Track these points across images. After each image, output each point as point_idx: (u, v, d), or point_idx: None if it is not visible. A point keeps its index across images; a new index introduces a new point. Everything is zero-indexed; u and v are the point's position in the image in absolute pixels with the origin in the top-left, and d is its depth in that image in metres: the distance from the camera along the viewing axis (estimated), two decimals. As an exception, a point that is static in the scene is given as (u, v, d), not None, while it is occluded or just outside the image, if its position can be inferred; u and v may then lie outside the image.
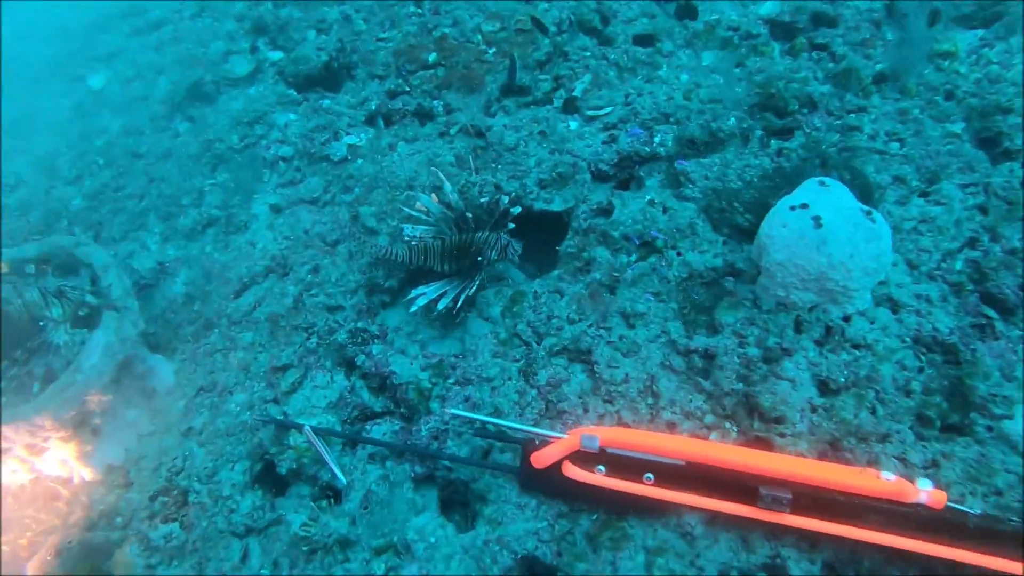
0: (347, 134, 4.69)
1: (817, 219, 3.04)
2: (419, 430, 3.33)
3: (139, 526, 3.40)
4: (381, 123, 4.77)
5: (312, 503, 3.35)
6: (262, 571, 3.22)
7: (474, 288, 3.69)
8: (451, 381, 3.48)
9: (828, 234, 3.00)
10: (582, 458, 2.86)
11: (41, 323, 3.41)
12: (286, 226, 4.35)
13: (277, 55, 5.53)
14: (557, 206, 4.04)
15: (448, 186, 3.86)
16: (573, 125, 4.32)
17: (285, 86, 5.25)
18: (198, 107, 5.42)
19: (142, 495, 3.50)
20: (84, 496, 3.56)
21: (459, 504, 3.34)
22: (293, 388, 3.60)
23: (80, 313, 3.52)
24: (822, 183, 3.24)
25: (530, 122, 4.36)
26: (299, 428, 3.35)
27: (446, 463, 3.26)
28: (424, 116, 4.75)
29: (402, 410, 3.50)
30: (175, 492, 3.47)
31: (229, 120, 5.05)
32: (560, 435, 2.94)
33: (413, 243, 3.81)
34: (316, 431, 3.33)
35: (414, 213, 3.95)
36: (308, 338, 3.78)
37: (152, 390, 3.78)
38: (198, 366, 3.86)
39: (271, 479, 3.54)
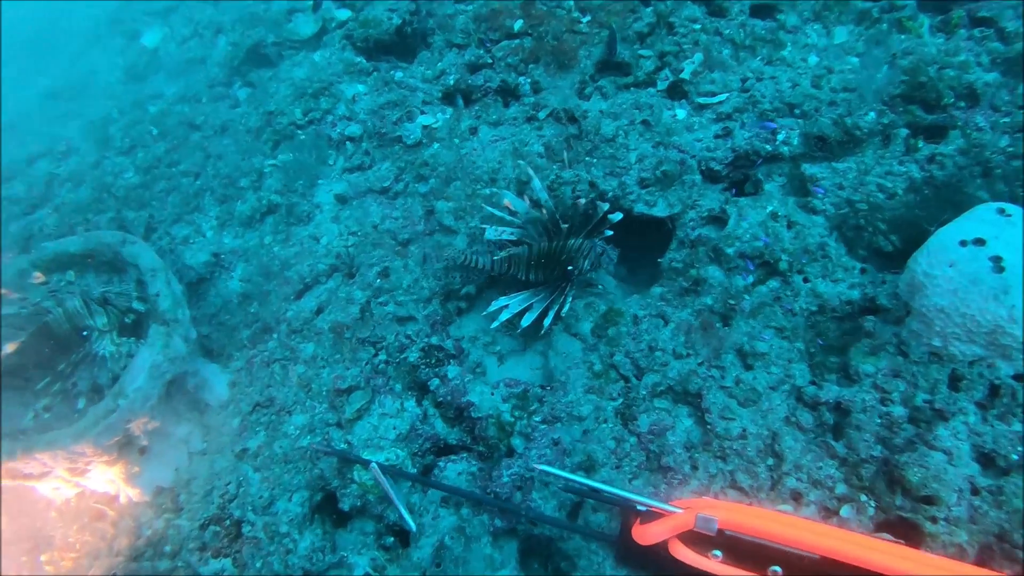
0: (422, 113, 4.19)
1: (997, 260, 2.47)
2: (500, 475, 2.92)
3: (188, 558, 3.11)
4: (460, 102, 4.24)
5: (376, 548, 3.00)
6: (322, 629, 2.91)
7: (566, 307, 3.25)
8: (537, 419, 3.04)
9: (1012, 281, 2.44)
10: (694, 537, 2.41)
11: (84, 333, 3.08)
12: (353, 219, 3.91)
13: (344, 14, 5.00)
14: (660, 210, 3.51)
15: (537, 182, 3.37)
16: (681, 114, 3.73)
17: (353, 52, 4.74)
18: (258, 72, 4.97)
19: (192, 522, 3.20)
20: (130, 519, 3.28)
21: (540, 555, 2.94)
22: (359, 415, 3.21)
23: (126, 320, 3.18)
24: (1002, 211, 2.64)
25: (631, 108, 3.78)
26: (365, 464, 2.97)
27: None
28: (508, 95, 4.20)
29: (480, 448, 3.08)
30: (227, 522, 3.15)
31: (292, 90, 4.59)
32: (668, 508, 2.49)
33: (497, 255, 3.35)
34: (384, 469, 2.93)
35: (498, 212, 3.48)
36: (376, 355, 3.37)
37: (205, 404, 3.46)
38: (254, 378, 3.50)
39: (331, 508, 3.20)
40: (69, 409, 3.08)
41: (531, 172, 3.43)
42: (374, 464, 2.91)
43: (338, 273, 3.76)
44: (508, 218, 3.48)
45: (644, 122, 3.71)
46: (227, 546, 3.10)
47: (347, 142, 4.29)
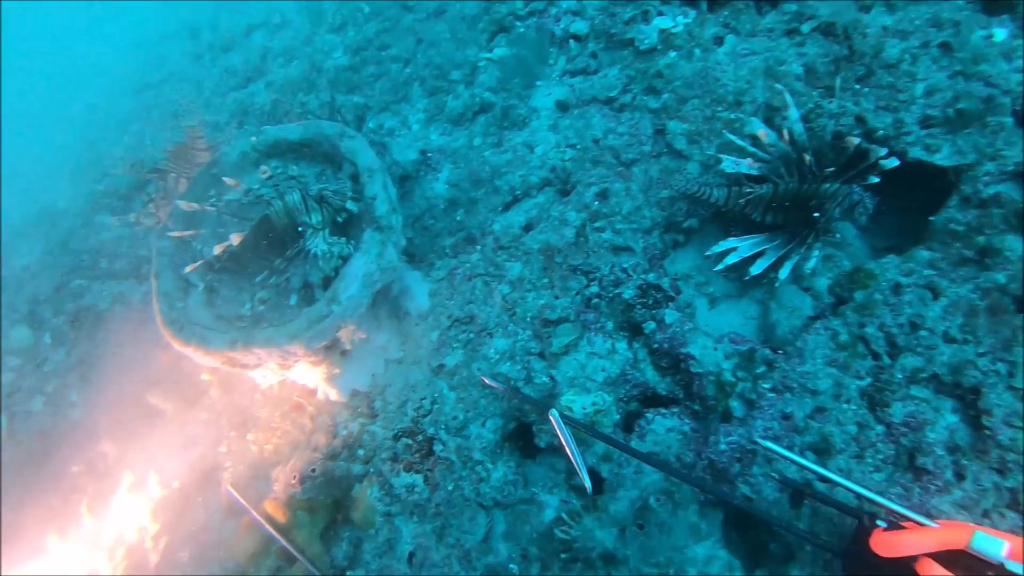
0: (660, 14, 3.68)
1: None
2: (717, 442, 2.64)
3: (381, 467, 3.09)
4: (704, 5, 3.69)
5: (567, 490, 2.85)
6: (511, 567, 2.81)
7: (811, 261, 2.81)
8: (766, 385, 2.70)
9: None
10: (954, 558, 2.02)
11: (300, 228, 3.00)
12: (572, 131, 3.57)
13: None
14: (944, 158, 2.90)
15: (795, 111, 2.90)
16: (1000, 35, 2.96)
17: (585, -66, 4.24)
18: (478, -49, 4.60)
19: (386, 431, 3.17)
20: (327, 417, 3.29)
21: (740, 527, 2.68)
22: (566, 350, 2.98)
23: (338, 219, 3.07)
24: None
25: (926, 25, 3.08)
26: (544, 411, 2.70)
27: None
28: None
29: (695, 405, 2.79)
30: (420, 438, 3.08)
31: (514, -25, 4.19)
32: (924, 520, 2.10)
33: (740, 195, 2.94)
34: (566, 420, 2.58)
35: (739, 141, 3.04)
36: (587, 286, 3.10)
37: (404, 312, 3.35)
38: (455, 292, 3.34)
39: (520, 438, 3.06)
40: (282, 303, 3.06)
41: (788, 98, 2.93)
42: (555, 413, 2.58)
43: (551, 188, 3.47)
44: (751, 149, 3.03)
45: (943, 44, 3.02)
46: (419, 462, 3.04)
47: (571, 40, 3.88)
